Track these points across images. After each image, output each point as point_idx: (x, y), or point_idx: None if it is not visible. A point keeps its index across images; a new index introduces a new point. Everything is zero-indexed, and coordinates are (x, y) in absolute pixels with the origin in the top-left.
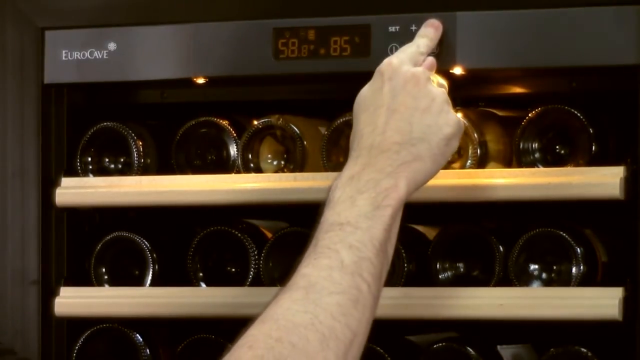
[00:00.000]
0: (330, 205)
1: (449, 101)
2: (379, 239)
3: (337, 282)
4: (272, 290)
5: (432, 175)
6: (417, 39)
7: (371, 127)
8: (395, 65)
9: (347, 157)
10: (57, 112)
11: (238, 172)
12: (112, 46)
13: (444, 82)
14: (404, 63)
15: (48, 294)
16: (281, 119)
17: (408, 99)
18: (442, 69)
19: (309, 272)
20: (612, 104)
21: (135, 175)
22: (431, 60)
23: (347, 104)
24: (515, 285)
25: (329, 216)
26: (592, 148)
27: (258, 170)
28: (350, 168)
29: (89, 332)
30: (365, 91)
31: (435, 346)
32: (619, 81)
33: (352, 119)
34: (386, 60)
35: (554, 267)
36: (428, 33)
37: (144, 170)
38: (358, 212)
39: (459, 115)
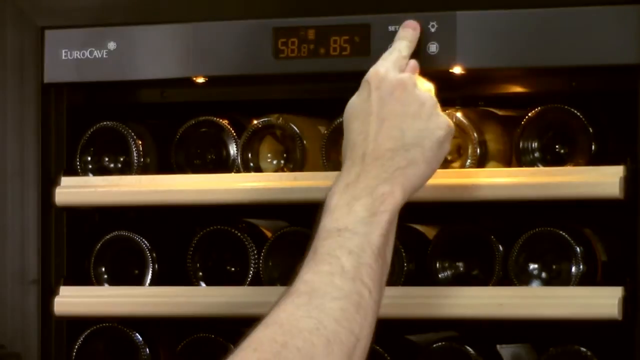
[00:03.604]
0: (327, 212)
1: (438, 104)
2: (377, 244)
3: (339, 287)
4: (272, 289)
5: (427, 178)
6: (397, 43)
7: (363, 135)
8: (382, 73)
9: (344, 152)
10: (57, 111)
11: (238, 171)
12: (111, 46)
13: (430, 85)
14: (389, 70)
15: (48, 294)
16: (281, 119)
17: (397, 105)
18: (442, 69)
19: (311, 278)
20: (612, 103)
21: (135, 175)
22: (413, 63)
23: (347, 104)
24: (514, 285)
25: (326, 223)
26: (591, 147)
27: (258, 169)
28: (345, 176)
29: (88, 331)
30: (354, 101)
31: (434, 345)
32: (619, 81)
33: None
34: (372, 70)
35: (554, 267)
36: (407, 35)
37: (144, 170)
38: (355, 218)
39: (459, 114)
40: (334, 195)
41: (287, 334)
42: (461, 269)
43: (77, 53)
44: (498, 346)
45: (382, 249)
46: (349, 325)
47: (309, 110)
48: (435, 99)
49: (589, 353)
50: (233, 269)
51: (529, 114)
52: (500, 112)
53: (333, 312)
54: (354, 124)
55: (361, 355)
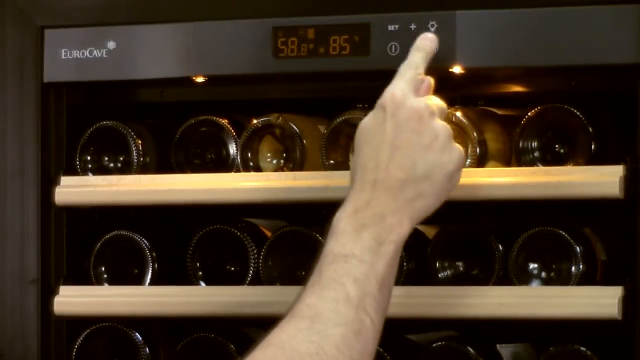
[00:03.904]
0: (334, 236)
1: (452, 136)
2: (382, 273)
3: (342, 314)
4: (272, 289)
5: (434, 209)
6: (414, 56)
7: (374, 162)
8: (399, 99)
9: (346, 157)
10: (57, 111)
11: (237, 171)
12: (111, 45)
13: (444, 105)
14: (406, 96)
15: (47, 293)
16: (280, 118)
17: (411, 136)
18: (442, 68)
19: (315, 302)
20: (611, 103)
21: (134, 174)
22: (428, 83)
23: (346, 103)
24: (514, 284)
25: (333, 247)
26: (591, 147)
27: (257, 169)
28: (354, 202)
29: (88, 331)
30: (368, 124)
31: (434, 345)
32: (619, 80)
33: (351, 118)
34: (388, 94)
35: (554, 266)
36: (424, 46)
37: (144, 169)
38: (362, 246)
39: (458, 114)
40: (341, 220)
41: (287, 356)
42: (461, 268)
43: (76, 52)
44: (498, 346)
45: (386, 278)
46: (349, 353)
47: (308, 109)
48: (449, 130)
49: (588, 353)
50: (233, 268)
51: (529, 114)
52: (499, 112)
53: (334, 339)
54: (366, 148)
55: None
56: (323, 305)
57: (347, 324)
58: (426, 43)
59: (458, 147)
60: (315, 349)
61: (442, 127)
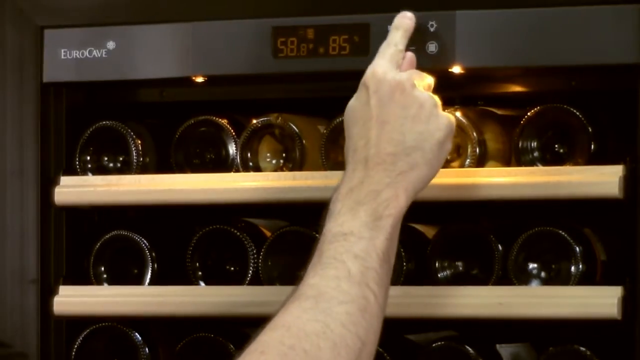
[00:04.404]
0: (332, 217)
1: (438, 103)
2: (382, 248)
3: (345, 291)
4: (271, 289)
5: (430, 179)
6: (393, 34)
7: (364, 140)
8: (380, 75)
9: (346, 156)
10: (56, 111)
11: (237, 171)
12: (111, 45)
13: (430, 78)
14: (387, 71)
15: (47, 293)
16: (280, 118)
17: (397, 109)
18: (442, 68)
19: (317, 282)
20: (611, 102)
21: (134, 174)
22: (410, 56)
23: (346, 103)
24: (514, 284)
25: (331, 227)
26: (591, 147)
27: (257, 169)
28: (348, 181)
29: (88, 331)
30: (353, 104)
31: (434, 345)
32: (619, 80)
33: None
34: (369, 71)
35: (553, 266)
36: (402, 24)
37: (143, 169)
38: (360, 223)
39: (458, 114)
40: (337, 201)
41: (294, 337)
42: (461, 268)
43: (76, 52)
44: (498, 346)
45: (386, 253)
46: (355, 330)
47: (308, 109)
48: (434, 99)
49: (588, 353)
50: (232, 268)
51: (529, 114)
52: (499, 112)
53: (339, 316)
54: (354, 128)
55: (367, 359)
56: (325, 284)
57: (352, 301)
58: (404, 21)
59: (445, 115)
60: (322, 327)
61: (426, 96)
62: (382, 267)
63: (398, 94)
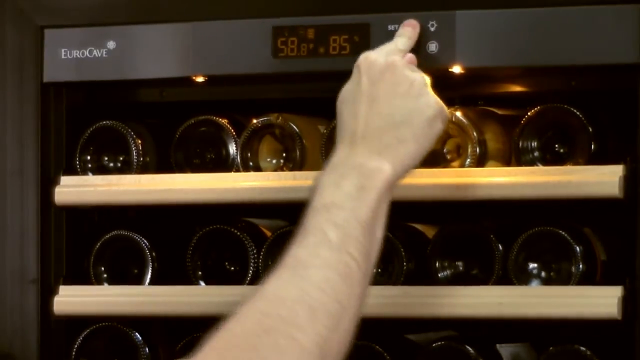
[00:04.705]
0: (315, 191)
1: (428, 84)
2: (365, 219)
3: (324, 257)
4: None
5: (419, 157)
6: (396, 39)
7: (352, 116)
8: (372, 58)
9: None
10: (56, 110)
11: (237, 170)
12: (111, 45)
13: (426, 77)
14: (380, 56)
15: (47, 293)
16: (280, 118)
17: (387, 85)
18: (442, 68)
19: (296, 251)
20: (611, 102)
21: (134, 174)
22: (411, 56)
23: None
24: (514, 284)
25: (314, 200)
26: (591, 147)
27: (257, 169)
28: (335, 159)
29: (88, 330)
30: (346, 87)
31: (434, 345)
32: (619, 80)
33: None
34: (362, 55)
35: (553, 266)
36: (406, 32)
37: (143, 169)
38: (343, 194)
39: (458, 113)
40: (322, 176)
41: (271, 304)
42: (461, 268)
43: (76, 52)
44: (498, 346)
45: (370, 224)
46: (334, 294)
47: (308, 109)
48: (425, 79)
49: (588, 352)
50: (232, 268)
51: (529, 113)
52: (499, 112)
53: (317, 281)
54: (345, 109)
55: (348, 325)
56: (304, 251)
57: (330, 266)
58: (408, 30)
59: (434, 95)
60: (299, 292)
61: (416, 75)
62: (364, 237)
63: (389, 73)
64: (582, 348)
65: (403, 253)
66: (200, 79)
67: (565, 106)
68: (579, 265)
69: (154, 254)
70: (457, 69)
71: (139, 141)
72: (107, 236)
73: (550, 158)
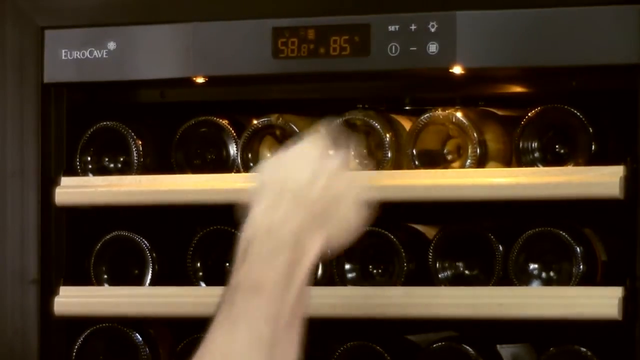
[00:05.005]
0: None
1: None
2: (293, 302)
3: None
4: None
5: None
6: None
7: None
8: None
9: None
10: (57, 111)
11: (237, 171)
12: (111, 45)
13: None
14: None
15: (47, 293)
16: (281, 119)
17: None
18: (442, 68)
19: (225, 341)
20: (612, 103)
21: (134, 175)
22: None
23: (346, 103)
24: (514, 285)
25: (243, 276)
26: (591, 147)
27: None
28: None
29: (88, 331)
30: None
31: (434, 345)
32: (619, 80)
33: (351, 118)
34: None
35: (554, 267)
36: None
37: (144, 170)
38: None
39: (459, 114)
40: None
41: None
42: (461, 268)
43: (77, 53)
44: (498, 346)
45: (299, 301)
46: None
47: (308, 110)
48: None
49: (589, 353)
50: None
51: (529, 114)
52: (500, 112)
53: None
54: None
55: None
56: (234, 347)
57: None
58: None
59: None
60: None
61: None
62: (293, 315)
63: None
64: (583, 349)
65: (403, 254)
66: (200, 80)
67: (566, 107)
68: (580, 266)
69: (154, 254)
70: (457, 70)
71: (140, 142)
72: (107, 237)
73: (551, 158)
